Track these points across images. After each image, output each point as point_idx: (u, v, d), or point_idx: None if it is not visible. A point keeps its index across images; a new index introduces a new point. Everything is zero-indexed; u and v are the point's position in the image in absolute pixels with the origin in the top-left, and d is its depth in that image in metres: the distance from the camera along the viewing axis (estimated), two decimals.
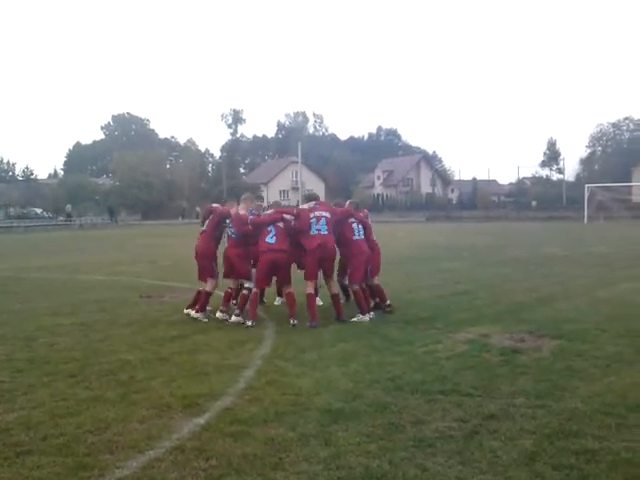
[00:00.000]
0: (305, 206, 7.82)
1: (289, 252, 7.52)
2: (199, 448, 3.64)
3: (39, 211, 59.01)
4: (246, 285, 7.67)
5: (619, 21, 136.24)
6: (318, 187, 68.19)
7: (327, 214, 7.58)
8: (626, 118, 76.80)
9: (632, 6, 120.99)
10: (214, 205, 8.48)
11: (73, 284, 11.84)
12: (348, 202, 8.44)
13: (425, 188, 77.02)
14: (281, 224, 7.51)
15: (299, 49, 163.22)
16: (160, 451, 3.62)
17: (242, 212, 7.89)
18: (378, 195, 72.40)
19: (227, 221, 8.01)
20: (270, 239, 7.39)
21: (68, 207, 52.52)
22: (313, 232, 7.41)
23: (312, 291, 7.50)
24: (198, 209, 58.37)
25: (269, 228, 7.45)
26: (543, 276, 11.69)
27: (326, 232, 7.46)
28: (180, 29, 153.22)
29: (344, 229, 7.80)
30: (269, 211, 7.97)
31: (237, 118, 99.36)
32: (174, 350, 6.17)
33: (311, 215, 7.50)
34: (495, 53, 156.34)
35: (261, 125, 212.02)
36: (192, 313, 7.90)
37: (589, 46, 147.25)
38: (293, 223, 7.59)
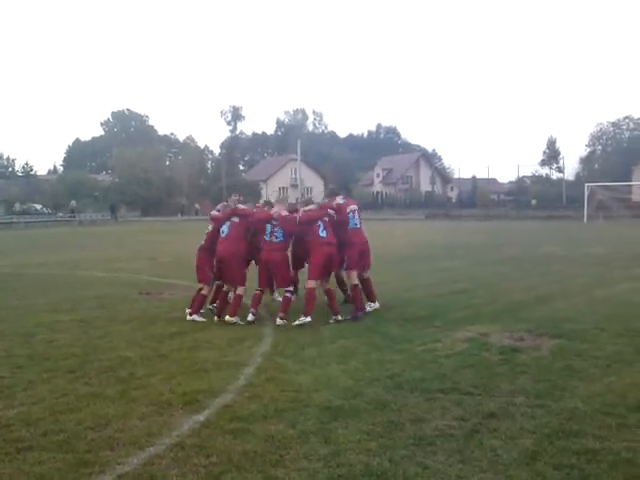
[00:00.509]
0: (340, 200, 8.02)
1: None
2: (199, 445, 3.65)
3: (39, 207, 58.91)
4: (287, 289, 7.57)
5: (619, 20, 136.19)
6: (317, 185, 68.19)
7: (355, 206, 8.06)
8: (626, 117, 76.67)
9: (632, 5, 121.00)
10: (241, 207, 7.87)
11: (72, 280, 11.84)
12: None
13: (424, 186, 76.92)
14: (326, 218, 7.69)
15: (299, 46, 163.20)
16: (160, 448, 3.63)
17: (284, 213, 7.69)
18: (377, 193, 72.28)
19: (269, 225, 7.57)
20: (322, 233, 7.50)
21: (72, 203, 52.32)
22: (352, 226, 7.81)
23: (357, 282, 7.76)
24: (197, 206, 58.34)
25: (318, 223, 7.57)
26: (541, 275, 11.68)
27: (359, 224, 7.90)
28: (180, 26, 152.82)
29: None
30: (311, 206, 7.92)
31: (236, 115, 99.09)
32: (174, 347, 6.18)
33: (347, 210, 7.84)
34: (495, 51, 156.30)
35: (260, 122, 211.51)
36: (227, 318, 7.33)
37: (589, 45, 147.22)
38: (335, 218, 7.78)
